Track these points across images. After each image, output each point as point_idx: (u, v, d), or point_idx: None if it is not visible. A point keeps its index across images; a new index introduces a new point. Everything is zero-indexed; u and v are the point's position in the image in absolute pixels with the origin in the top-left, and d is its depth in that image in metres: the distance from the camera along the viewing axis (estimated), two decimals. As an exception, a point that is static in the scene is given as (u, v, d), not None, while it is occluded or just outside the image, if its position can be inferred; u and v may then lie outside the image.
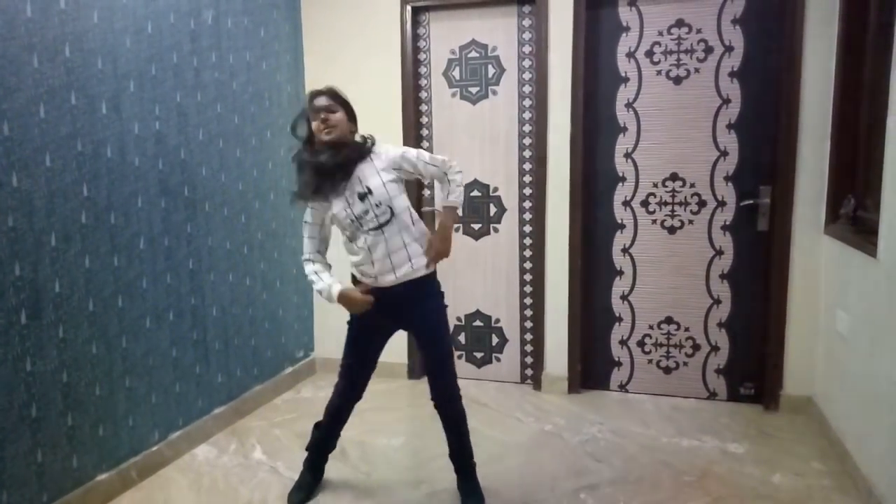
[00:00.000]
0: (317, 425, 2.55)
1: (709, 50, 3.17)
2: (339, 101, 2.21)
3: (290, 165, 3.55)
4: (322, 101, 2.18)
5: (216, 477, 2.63)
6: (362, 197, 2.15)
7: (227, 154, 3.07)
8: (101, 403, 2.40)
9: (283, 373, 3.60)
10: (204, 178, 2.91)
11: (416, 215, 2.27)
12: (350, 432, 2.69)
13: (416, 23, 3.55)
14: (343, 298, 2.19)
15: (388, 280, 2.20)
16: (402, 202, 2.21)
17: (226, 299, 3.09)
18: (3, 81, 1.98)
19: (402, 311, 2.28)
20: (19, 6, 2.03)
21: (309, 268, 2.26)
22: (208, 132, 2.93)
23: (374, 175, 2.18)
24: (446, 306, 2.35)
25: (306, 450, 2.53)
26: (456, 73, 3.55)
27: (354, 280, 2.30)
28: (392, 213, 2.16)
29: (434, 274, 2.33)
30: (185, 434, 2.83)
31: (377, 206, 2.15)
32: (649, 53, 3.25)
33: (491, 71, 3.50)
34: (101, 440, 2.40)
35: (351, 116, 2.25)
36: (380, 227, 2.16)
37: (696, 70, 3.19)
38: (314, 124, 2.17)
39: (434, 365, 2.32)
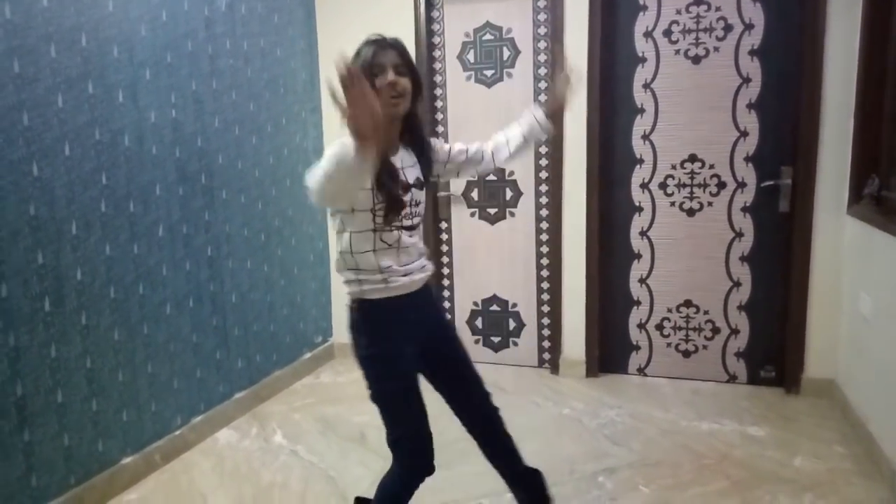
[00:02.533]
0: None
1: (728, 28, 3.11)
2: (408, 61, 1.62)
3: (306, 151, 3.58)
4: (392, 58, 1.58)
5: (238, 460, 2.66)
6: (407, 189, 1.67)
7: (243, 141, 3.08)
8: (125, 389, 2.44)
9: (302, 358, 3.63)
10: (221, 166, 2.92)
11: None
12: (370, 417, 2.69)
13: (429, 5, 3.52)
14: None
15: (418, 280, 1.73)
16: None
17: (244, 286, 3.11)
18: (21, 72, 2.00)
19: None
20: (36, -4, 2.05)
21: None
22: (224, 119, 2.94)
23: (414, 167, 1.72)
24: None
25: None
26: (470, 57, 3.52)
27: (361, 305, 1.68)
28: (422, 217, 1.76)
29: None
30: (207, 418, 2.87)
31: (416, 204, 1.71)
32: (667, 32, 3.19)
33: (506, 53, 3.46)
34: (125, 425, 2.45)
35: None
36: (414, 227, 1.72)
37: (716, 49, 3.13)
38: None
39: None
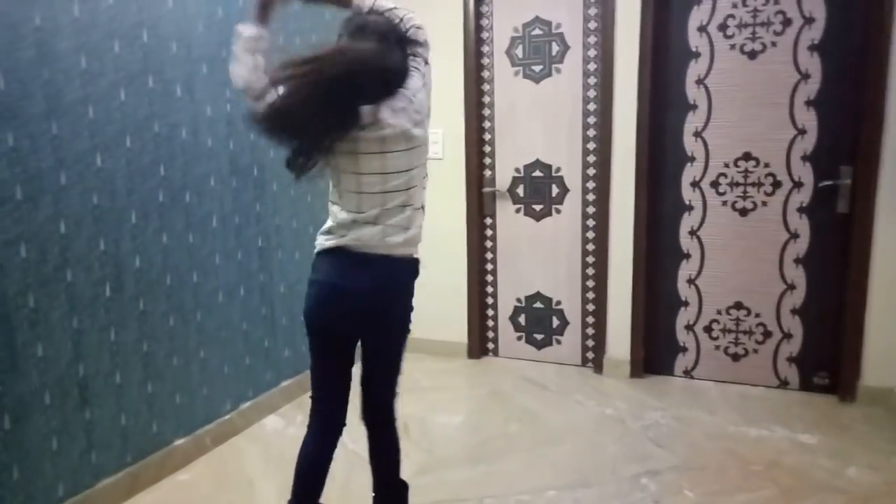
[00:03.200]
0: None
1: (787, 22, 3.01)
2: None
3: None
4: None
5: (283, 447, 2.73)
6: None
7: (293, 135, 3.14)
8: (178, 373, 2.53)
9: (347, 349, 3.69)
10: (272, 159, 2.99)
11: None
12: (411, 409, 2.74)
13: (479, 1, 3.51)
14: None
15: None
16: None
17: (292, 276, 3.18)
18: (88, 67, 2.09)
19: None
20: (102, -6, 2.13)
21: None
22: (276, 114, 3.00)
23: None
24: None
25: None
26: (519, 52, 3.50)
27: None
28: None
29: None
30: (255, 405, 2.95)
31: None
32: (722, 27, 3.11)
33: (555, 48, 3.43)
34: (177, 408, 2.54)
35: None
36: None
37: (773, 43, 3.04)
38: None
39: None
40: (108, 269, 2.21)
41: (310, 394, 1.84)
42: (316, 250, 1.73)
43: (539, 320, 3.70)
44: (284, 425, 2.94)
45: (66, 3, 2.01)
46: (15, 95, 1.88)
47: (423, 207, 1.74)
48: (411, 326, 1.82)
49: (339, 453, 2.64)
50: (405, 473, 2.51)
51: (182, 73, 2.47)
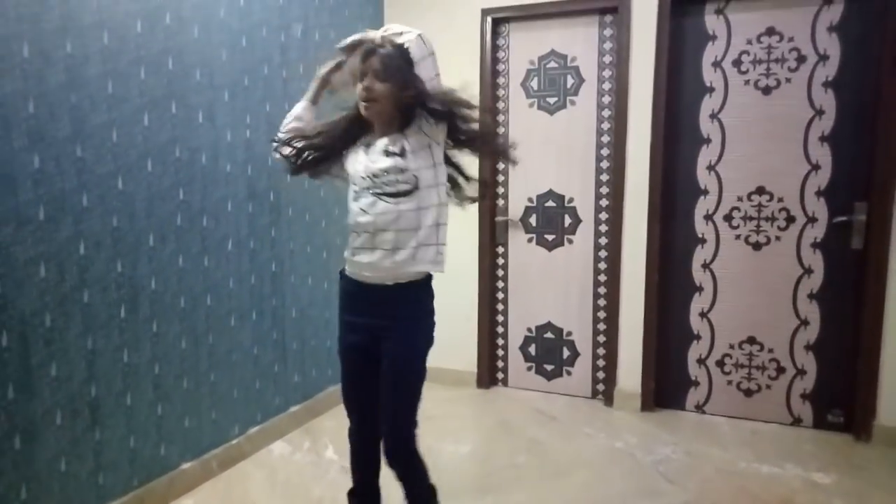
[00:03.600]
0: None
1: (801, 59, 3.03)
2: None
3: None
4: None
5: (290, 473, 2.72)
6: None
7: (309, 161, 3.18)
8: (188, 396, 2.54)
9: (356, 375, 3.68)
10: (287, 185, 3.03)
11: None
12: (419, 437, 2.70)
13: (495, 33, 3.58)
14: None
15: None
16: None
17: (304, 301, 3.20)
18: (114, 92, 2.15)
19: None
20: (130, 23, 2.19)
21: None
22: (293, 140, 3.05)
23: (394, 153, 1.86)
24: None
25: None
26: (534, 84, 3.55)
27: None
28: None
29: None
30: (263, 430, 2.94)
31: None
32: (737, 63, 3.14)
33: (570, 81, 3.47)
34: (186, 431, 2.54)
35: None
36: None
37: (788, 80, 3.06)
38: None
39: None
40: (125, 290, 2.23)
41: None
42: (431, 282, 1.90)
43: (549, 351, 3.68)
44: (291, 451, 2.93)
45: (96, 30, 2.07)
46: (43, 119, 1.93)
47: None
48: None
49: (344, 480, 2.63)
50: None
51: (204, 99, 2.53)
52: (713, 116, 3.21)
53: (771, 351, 3.21)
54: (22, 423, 1.92)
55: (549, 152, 3.56)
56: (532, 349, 3.71)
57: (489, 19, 3.52)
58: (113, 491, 2.22)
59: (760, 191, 3.16)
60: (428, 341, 1.90)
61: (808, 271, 3.11)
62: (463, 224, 3.63)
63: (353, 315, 1.89)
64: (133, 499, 2.29)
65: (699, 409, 3.38)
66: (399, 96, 1.74)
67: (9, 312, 1.87)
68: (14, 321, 1.88)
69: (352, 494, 2.09)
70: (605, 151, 3.42)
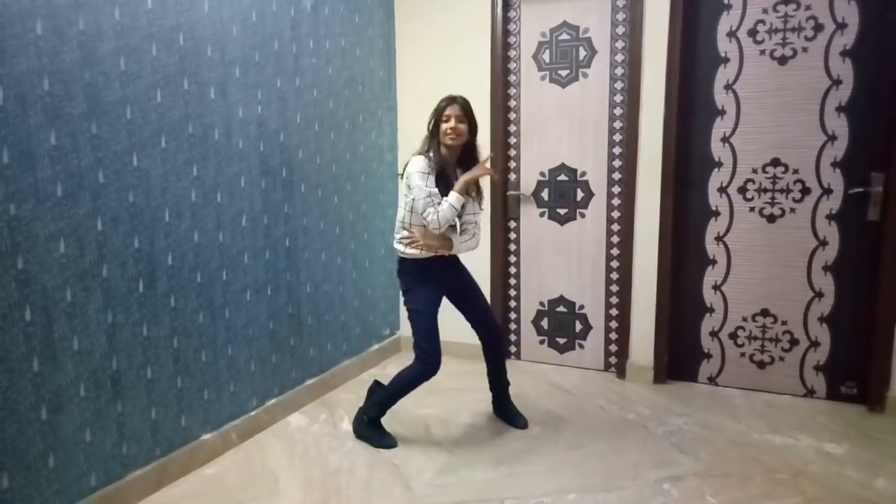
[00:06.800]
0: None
1: (819, 28, 2.98)
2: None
3: (381, 149, 3.68)
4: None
5: (307, 444, 2.77)
6: None
7: (322, 137, 3.19)
8: (207, 369, 2.59)
9: (370, 349, 3.73)
10: (301, 161, 3.04)
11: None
12: (434, 410, 2.76)
13: (506, 6, 3.54)
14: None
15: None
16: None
17: (318, 276, 3.23)
18: (127, 69, 2.16)
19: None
20: (141, -1, 2.20)
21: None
22: (305, 116, 3.06)
23: None
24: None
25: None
26: (546, 56, 3.52)
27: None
28: None
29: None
30: (280, 402, 3.00)
31: None
32: (752, 32, 3.09)
33: (582, 53, 3.44)
34: (205, 403, 2.59)
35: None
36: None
37: (804, 49, 3.01)
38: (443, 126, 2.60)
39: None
40: (142, 265, 2.27)
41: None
42: None
43: (562, 324, 3.70)
44: (308, 423, 2.98)
45: (108, 6, 2.08)
46: (58, 96, 1.95)
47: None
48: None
49: (360, 450, 2.69)
50: (427, 473, 2.54)
51: (216, 75, 2.53)
52: (728, 87, 3.17)
53: (784, 323, 3.21)
54: (48, 394, 1.97)
55: (562, 126, 3.53)
56: (545, 323, 3.73)
57: (500, -9, 3.48)
58: (136, 460, 2.29)
59: (775, 162, 3.12)
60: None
61: (823, 243, 3.09)
62: (475, 199, 3.63)
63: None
64: (156, 468, 2.35)
65: (712, 381, 3.39)
66: (471, 134, 2.67)
67: (31, 287, 1.91)
68: (37, 295, 1.92)
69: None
70: (617, 124, 3.40)
